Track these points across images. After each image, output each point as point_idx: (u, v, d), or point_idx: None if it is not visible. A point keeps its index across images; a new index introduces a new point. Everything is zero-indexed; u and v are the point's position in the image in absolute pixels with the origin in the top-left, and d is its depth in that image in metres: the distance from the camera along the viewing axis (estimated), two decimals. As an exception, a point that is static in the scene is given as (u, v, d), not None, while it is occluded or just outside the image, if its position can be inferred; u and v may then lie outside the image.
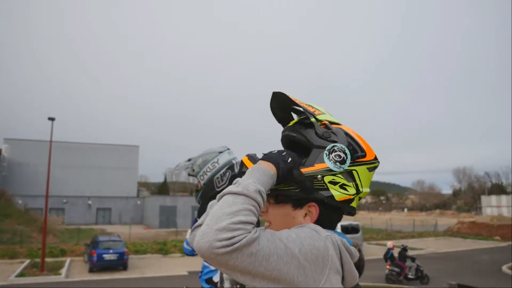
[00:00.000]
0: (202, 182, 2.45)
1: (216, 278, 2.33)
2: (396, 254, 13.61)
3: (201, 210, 2.35)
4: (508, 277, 14.38)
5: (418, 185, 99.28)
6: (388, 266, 13.40)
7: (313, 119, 1.10)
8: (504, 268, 15.83)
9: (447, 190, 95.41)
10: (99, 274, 15.27)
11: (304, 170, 1.04)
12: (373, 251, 20.66)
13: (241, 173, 1.07)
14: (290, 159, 1.04)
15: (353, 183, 1.08)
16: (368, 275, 12.65)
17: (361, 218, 38.26)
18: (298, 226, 1.00)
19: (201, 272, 2.48)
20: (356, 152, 1.09)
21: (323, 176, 1.04)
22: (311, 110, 1.13)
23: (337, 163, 1.06)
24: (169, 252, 20.01)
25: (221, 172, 2.46)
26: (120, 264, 15.98)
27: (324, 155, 1.06)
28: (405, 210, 75.68)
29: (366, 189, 1.12)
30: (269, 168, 1.00)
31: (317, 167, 1.05)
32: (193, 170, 2.47)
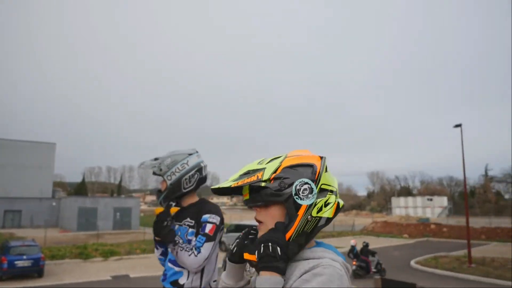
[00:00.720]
0: (169, 182, 2.42)
1: (182, 280, 2.32)
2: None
3: (163, 213, 2.35)
4: (416, 271, 16.10)
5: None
6: (354, 263, 14.32)
7: (263, 184, 1.15)
8: (412, 263, 17.66)
9: (362, 192, 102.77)
10: (9, 283, 13.92)
11: (291, 231, 1.12)
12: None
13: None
14: (278, 248, 1.08)
15: (329, 193, 1.19)
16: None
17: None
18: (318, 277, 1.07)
19: (164, 275, 2.44)
20: (311, 173, 1.18)
21: (311, 215, 1.13)
22: (252, 179, 1.16)
23: (309, 195, 1.14)
24: (90, 256, 18.86)
25: (190, 174, 2.46)
26: (36, 271, 14.68)
27: (296, 200, 1.13)
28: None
29: (335, 185, 1.24)
30: (277, 277, 1.06)
31: (300, 213, 1.12)
32: (161, 170, 2.44)
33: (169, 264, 2.40)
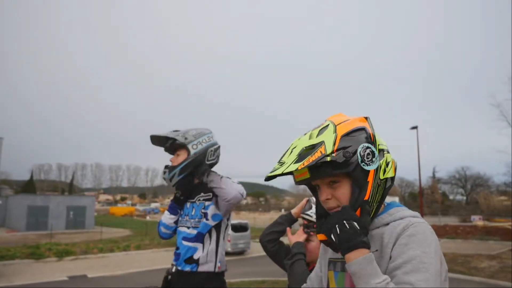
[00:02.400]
0: (193, 151, 2.38)
1: (197, 255, 2.30)
2: None
3: (183, 184, 2.38)
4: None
5: (294, 188, 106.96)
6: None
7: (328, 159, 1.08)
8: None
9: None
10: (-48, 286, 12.94)
11: (367, 198, 1.10)
12: (260, 248, 21.63)
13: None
14: (355, 223, 1.04)
15: (385, 152, 1.18)
16: (257, 271, 13.28)
17: (245, 218, 39.74)
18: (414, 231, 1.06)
19: (177, 255, 2.40)
20: (365, 137, 1.14)
21: (379, 179, 1.13)
22: (317, 155, 1.08)
23: (373, 159, 1.12)
24: (43, 256, 17.86)
25: (215, 147, 2.48)
26: (-18, 272, 13.78)
27: (364, 167, 1.10)
28: (282, 210, 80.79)
29: (385, 143, 1.23)
30: (367, 254, 1.01)
31: (370, 180, 1.10)
32: (186, 139, 2.40)
33: (184, 242, 2.37)
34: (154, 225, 38.31)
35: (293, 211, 2.23)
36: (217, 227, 2.36)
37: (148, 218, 54.10)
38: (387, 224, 1.13)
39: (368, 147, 1.12)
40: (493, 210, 50.24)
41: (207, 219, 2.33)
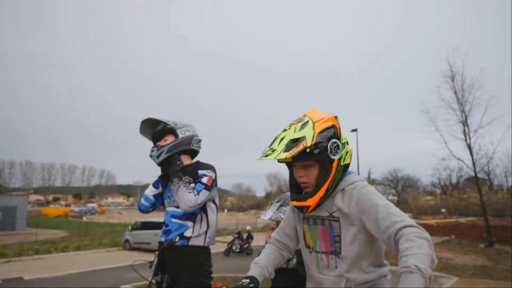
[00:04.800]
0: (181, 136, 2.63)
1: (188, 233, 2.51)
2: None
3: (177, 155, 2.59)
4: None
5: (237, 188, 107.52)
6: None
7: (308, 150, 1.48)
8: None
9: (261, 193, 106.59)
10: None
11: (329, 180, 1.54)
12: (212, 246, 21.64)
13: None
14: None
15: (346, 144, 1.61)
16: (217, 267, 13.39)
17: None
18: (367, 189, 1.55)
19: (165, 232, 2.59)
20: (334, 133, 1.55)
21: (340, 165, 1.57)
22: (300, 147, 1.47)
23: (338, 150, 1.55)
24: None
25: (199, 138, 2.75)
26: None
27: (331, 156, 1.53)
28: (225, 210, 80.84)
29: (346, 136, 1.65)
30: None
31: (334, 166, 1.54)
32: (176, 124, 2.65)
33: (174, 220, 2.56)
34: (93, 225, 36.74)
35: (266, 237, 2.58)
36: (204, 208, 2.58)
37: (84, 219, 51.60)
38: (343, 189, 1.58)
39: (335, 142, 1.53)
40: (420, 209, 54.35)
41: None
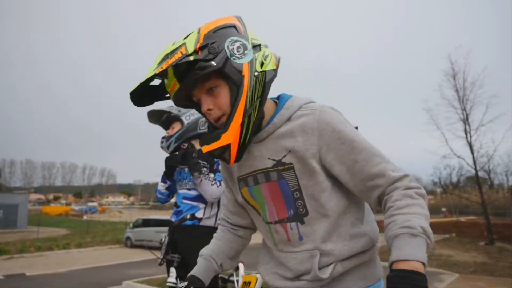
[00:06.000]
0: (186, 122, 2.68)
1: (199, 214, 2.56)
2: None
3: (192, 147, 2.60)
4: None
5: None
6: None
7: (191, 58, 0.97)
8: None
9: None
10: None
11: (244, 95, 1.00)
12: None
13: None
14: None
15: (262, 47, 1.09)
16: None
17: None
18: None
19: (176, 213, 2.65)
20: (236, 32, 1.05)
21: (256, 71, 1.03)
22: (176, 57, 0.97)
23: (245, 51, 1.02)
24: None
25: (204, 119, 2.72)
26: None
27: (235, 61, 1.00)
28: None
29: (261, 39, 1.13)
30: None
31: (245, 73, 1.01)
32: (179, 111, 2.69)
33: (185, 201, 2.63)
34: (95, 223, 36.77)
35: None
36: None
37: (85, 217, 51.65)
38: (289, 118, 1.08)
39: (237, 40, 1.02)
40: (421, 208, 54.37)
41: None
